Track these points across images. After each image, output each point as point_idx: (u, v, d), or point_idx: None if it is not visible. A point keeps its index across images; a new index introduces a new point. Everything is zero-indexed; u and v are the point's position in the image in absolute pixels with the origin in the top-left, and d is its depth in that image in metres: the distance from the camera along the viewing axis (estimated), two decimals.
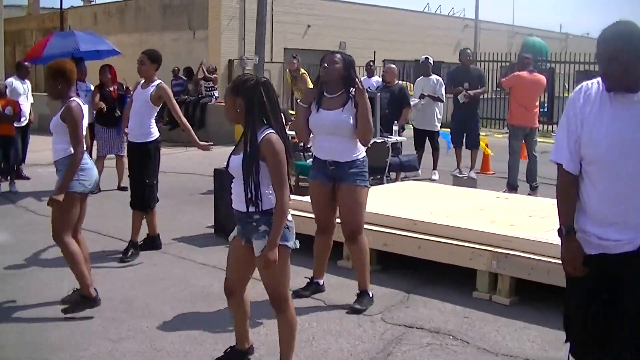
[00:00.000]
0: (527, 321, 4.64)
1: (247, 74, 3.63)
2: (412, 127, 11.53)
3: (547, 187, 9.54)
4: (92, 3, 29.97)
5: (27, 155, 10.24)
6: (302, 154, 9.32)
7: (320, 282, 5.18)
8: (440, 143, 11.17)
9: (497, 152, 11.85)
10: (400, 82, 11.00)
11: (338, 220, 5.02)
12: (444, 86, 11.16)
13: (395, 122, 9.38)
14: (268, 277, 3.53)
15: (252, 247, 3.51)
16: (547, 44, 27.98)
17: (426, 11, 30.40)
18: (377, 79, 12.76)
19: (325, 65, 4.75)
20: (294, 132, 6.56)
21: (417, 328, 4.53)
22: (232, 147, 3.62)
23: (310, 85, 12.35)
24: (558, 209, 2.95)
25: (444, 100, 11.27)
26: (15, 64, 11.20)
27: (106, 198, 8.73)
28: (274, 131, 3.45)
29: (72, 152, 4.59)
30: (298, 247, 3.59)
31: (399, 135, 9.47)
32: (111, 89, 9.37)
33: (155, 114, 6.26)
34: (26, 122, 9.89)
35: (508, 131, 10.14)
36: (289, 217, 3.48)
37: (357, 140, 4.78)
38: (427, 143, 10.97)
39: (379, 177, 8.62)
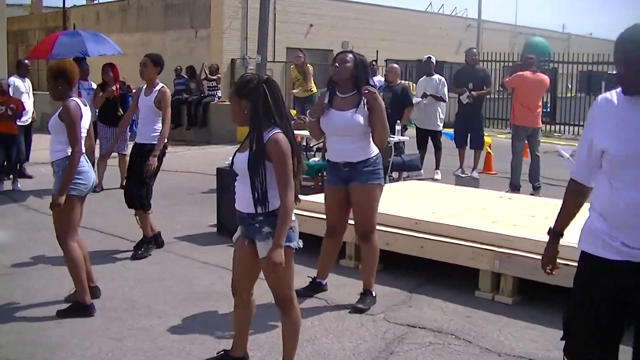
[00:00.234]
0: (529, 321, 4.63)
1: (248, 75, 3.59)
2: (414, 126, 11.52)
3: (549, 188, 9.53)
4: (95, 2, 29.99)
5: (30, 154, 10.24)
6: (305, 153, 9.32)
7: (323, 282, 5.17)
8: (443, 142, 11.16)
9: (500, 152, 11.83)
10: (402, 81, 10.96)
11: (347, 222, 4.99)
12: (446, 86, 11.14)
13: (398, 121, 9.37)
14: (273, 278, 3.51)
15: (256, 248, 3.49)
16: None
17: (429, 11, 30.43)
18: (379, 79, 12.73)
19: (337, 64, 4.73)
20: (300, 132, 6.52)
21: (419, 327, 4.53)
22: (234, 146, 3.61)
23: (312, 82, 12.35)
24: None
25: (447, 100, 11.25)
26: (15, 63, 11.18)
27: (108, 197, 8.73)
28: (280, 131, 3.43)
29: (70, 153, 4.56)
30: (301, 246, 3.57)
31: (402, 135, 9.47)
32: (113, 87, 9.37)
33: (161, 117, 6.25)
34: (29, 120, 9.89)
35: (511, 131, 10.11)
36: (292, 217, 3.47)
37: (370, 139, 4.75)
38: (430, 143, 10.96)
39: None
